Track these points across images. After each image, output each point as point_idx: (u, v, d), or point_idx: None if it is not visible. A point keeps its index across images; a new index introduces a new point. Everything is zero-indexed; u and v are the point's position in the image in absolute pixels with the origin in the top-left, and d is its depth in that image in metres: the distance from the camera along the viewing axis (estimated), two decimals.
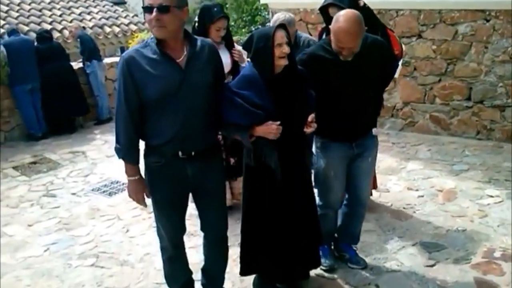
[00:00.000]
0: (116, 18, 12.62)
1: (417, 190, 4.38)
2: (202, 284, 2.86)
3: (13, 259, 3.61)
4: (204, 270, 2.84)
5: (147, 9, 2.17)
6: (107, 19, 12.36)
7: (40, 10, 11.55)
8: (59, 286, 3.25)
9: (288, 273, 2.83)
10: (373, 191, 4.03)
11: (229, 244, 2.79)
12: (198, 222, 2.70)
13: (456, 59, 5.51)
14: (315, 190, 2.94)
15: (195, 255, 3.18)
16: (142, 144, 2.45)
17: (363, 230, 3.34)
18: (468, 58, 5.44)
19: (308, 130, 2.56)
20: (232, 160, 3.50)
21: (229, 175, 3.53)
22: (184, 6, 2.24)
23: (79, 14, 12.03)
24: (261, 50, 2.45)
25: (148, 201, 2.53)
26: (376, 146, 3.04)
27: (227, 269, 2.89)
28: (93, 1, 13.14)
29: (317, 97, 2.63)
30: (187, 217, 2.63)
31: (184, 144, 2.34)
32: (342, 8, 3.18)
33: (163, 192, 2.45)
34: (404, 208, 4.05)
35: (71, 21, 11.26)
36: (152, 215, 3.81)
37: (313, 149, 2.93)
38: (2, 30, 9.02)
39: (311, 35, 4.87)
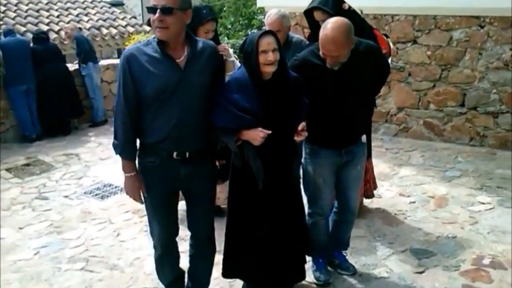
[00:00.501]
0: (114, 20, 12.60)
1: (409, 196, 4.38)
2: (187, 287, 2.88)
3: (3, 262, 3.60)
4: (189, 273, 2.86)
5: (151, 10, 2.21)
6: (104, 20, 12.35)
7: (37, 11, 11.54)
8: None
9: (272, 280, 2.80)
10: (365, 198, 4.02)
11: (218, 249, 2.79)
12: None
13: (451, 65, 5.53)
14: (304, 199, 2.93)
15: (185, 259, 3.17)
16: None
17: (353, 236, 3.35)
18: (462, 64, 5.46)
19: (298, 138, 2.53)
20: (220, 163, 3.46)
21: (225, 176, 3.49)
22: (187, 9, 2.28)
23: (77, 15, 12.02)
24: (248, 55, 2.45)
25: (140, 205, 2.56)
26: (365, 153, 3.02)
27: (216, 274, 2.89)
28: (91, 2, 13.13)
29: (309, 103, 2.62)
30: (180, 222, 2.65)
31: (179, 144, 2.37)
32: (327, 12, 3.18)
33: (156, 191, 2.49)
34: (395, 214, 4.05)
35: (68, 22, 11.26)
36: (144, 219, 3.84)
37: (303, 156, 2.93)
38: None
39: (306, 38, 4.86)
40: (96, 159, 5.82)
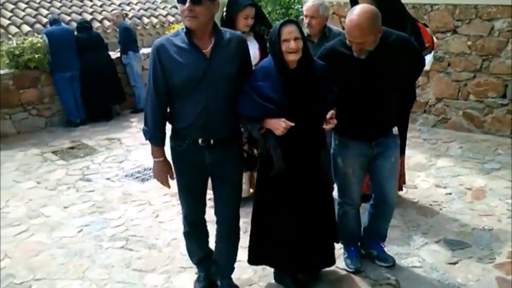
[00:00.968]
0: (155, 9, 12.84)
1: (445, 187, 4.33)
2: (211, 273, 2.96)
3: (49, 238, 3.82)
4: (213, 257, 2.94)
5: (181, 0, 2.29)
6: (145, 10, 12.60)
7: (81, 1, 11.90)
8: (90, 266, 3.42)
9: (299, 265, 2.83)
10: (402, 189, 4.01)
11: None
12: None
13: (492, 55, 5.38)
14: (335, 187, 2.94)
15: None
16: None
17: None
18: (504, 54, 5.31)
19: (327, 126, 2.52)
20: (253, 151, 3.53)
21: (250, 165, 3.57)
22: (215, 0, 2.34)
23: (119, 5, 12.30)
24: (272, 44, 2.47)
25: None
26: (398, 145, 2.96)
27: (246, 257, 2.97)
28: None
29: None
30: (209, 206, 2.76)
31: (204, 130, 2.46)
32: None
33: (183, 175, 2.62)
34: (430, 205, 4.02)
35: (111, 11, 11.54)
36: None
37: (332, 146, 2.92)
38: (46, 20, 9.35)
39: (343, 29, 4.85)
40: (137, 144, 5.99)
